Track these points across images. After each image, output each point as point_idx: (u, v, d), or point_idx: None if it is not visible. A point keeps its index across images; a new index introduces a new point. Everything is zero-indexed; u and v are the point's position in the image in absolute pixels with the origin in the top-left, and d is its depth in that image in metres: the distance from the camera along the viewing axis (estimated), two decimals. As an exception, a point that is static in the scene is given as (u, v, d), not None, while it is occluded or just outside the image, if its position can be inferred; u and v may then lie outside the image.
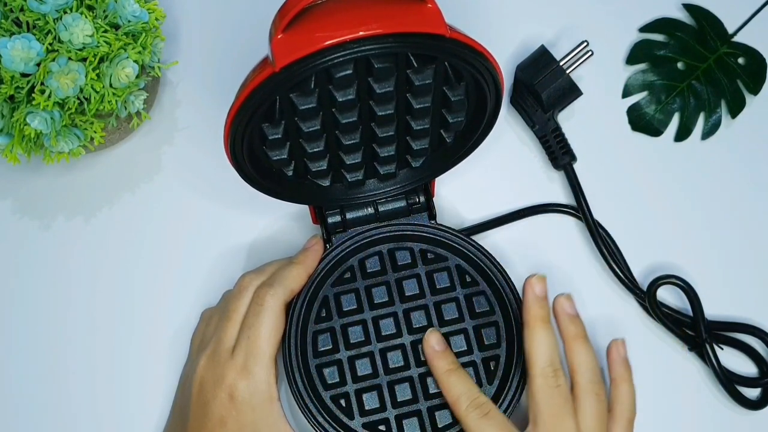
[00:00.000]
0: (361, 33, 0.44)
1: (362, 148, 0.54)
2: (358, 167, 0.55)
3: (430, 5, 0.45)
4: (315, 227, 0.60)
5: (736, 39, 0.65)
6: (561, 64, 0.61)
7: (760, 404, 0.57)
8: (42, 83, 0.52)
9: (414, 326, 0.55)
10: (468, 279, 0.56)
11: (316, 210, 0.58)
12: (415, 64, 0.48)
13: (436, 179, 0.58)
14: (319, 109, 0.49)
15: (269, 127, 0.50)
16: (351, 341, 0.54)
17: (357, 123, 0.51)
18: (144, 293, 0.60)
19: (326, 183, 0.56)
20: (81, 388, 0.58)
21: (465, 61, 0.47)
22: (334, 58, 0.44)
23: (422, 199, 0.58)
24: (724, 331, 0.59)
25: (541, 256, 0.60)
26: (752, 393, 0.58)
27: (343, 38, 0.43)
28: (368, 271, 0.56)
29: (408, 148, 0.55)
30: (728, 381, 0.57)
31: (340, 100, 0.49)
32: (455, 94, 0.51)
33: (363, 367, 0.54)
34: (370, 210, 0.57)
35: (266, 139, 0.50)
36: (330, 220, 0.57)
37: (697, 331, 0.57)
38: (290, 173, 0.54)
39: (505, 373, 0.54)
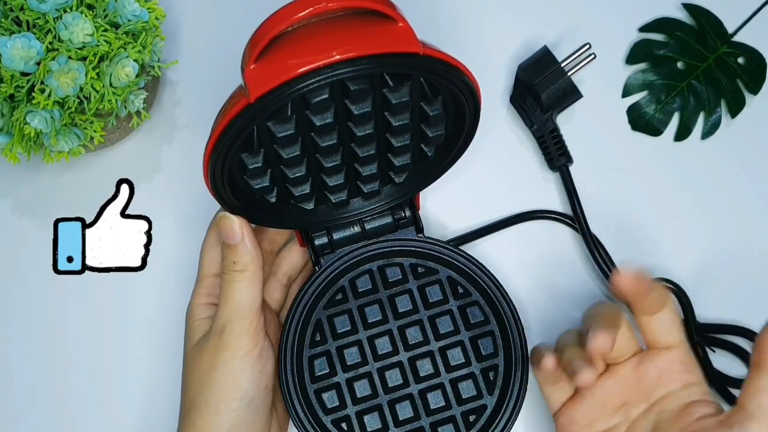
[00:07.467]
0: (334, 57, 0.43)
1: (344, 169, 0.53)
2: (341, 188, 0.54)
3: (401, 24, 0.45)
4: (302, 250, 0.59)
5: (735, 39, 0.64)
6: (562, 65, 0.61)
7: (752, 406, 0.57)
8: (42, 82, 0.52)
9: (410, 342, 0.55)
10: (460, 290, 0.56)
11: (302, 233, 0.57)
12: (390, 83, 0.48)
13: (423, 191, 0.57)
14: (298, 135, 0.49)
15: (248, 156, 0.49)
16: (348, 363, 0.54)
17: (337, 145, 0.50)
18: (144, 292, 0.60)
19: (310, 206, 0.55)
20: (81, 388, 0.59)
21: (440, 76, 0.47)
22: (308, 84, 0.43)
23: (408, 213, 0.57)
24: (715, 333, 0.59)
25: (529, 259, 0.61)
26: (744, 395, 0.58)
27: (316, 64, 0.43)
28: (360, 290, 0.56)
29: (390, 164, 0.54)
30: (720, 383, 0.57)
31: (318, 124, 0.48)
32: (433, 108, 0.50)
33: (362, 389, 0.53)
34: (357, 228, 0.56)
35: (246, 168, 0.49)
36: (317, 242, 0.56)
37: (689, 334, 0.57)
38: (273, 199, 0.53)
39: (504, 382, 0.54)
